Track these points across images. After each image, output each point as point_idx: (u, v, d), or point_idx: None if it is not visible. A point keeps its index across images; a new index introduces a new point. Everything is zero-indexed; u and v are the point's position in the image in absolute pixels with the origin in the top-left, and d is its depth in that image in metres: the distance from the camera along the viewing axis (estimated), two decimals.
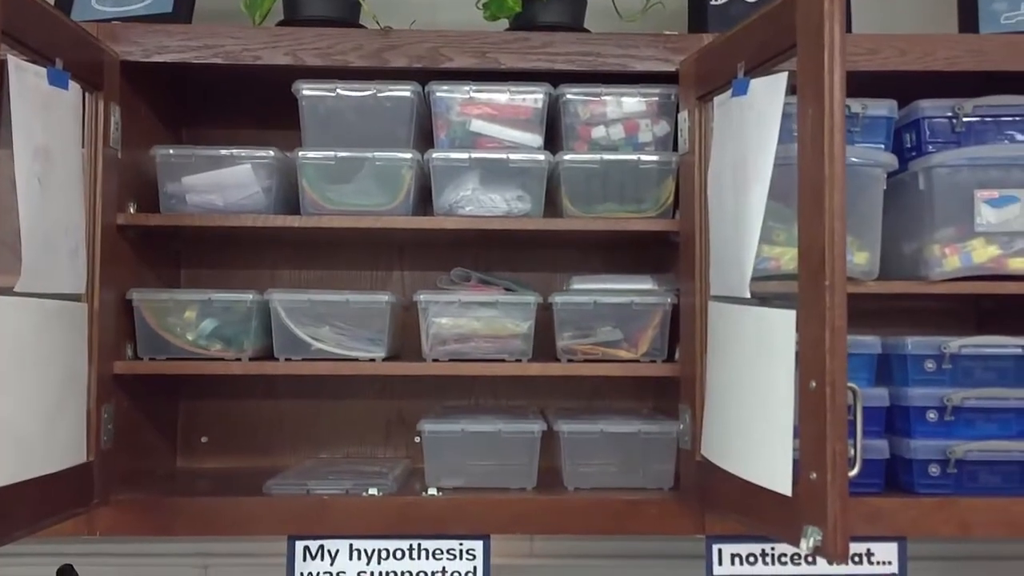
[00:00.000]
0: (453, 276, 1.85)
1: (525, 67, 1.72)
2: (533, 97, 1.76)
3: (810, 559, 1.68)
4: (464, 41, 1.71)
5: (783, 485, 1.29)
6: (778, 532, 1.32)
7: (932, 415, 1.66)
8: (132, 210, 1.71)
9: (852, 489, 1.22)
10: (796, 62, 1.29)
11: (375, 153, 1.72)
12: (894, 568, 1.67)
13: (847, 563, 1.63)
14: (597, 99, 1.77)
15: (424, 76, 1.74)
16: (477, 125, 1.76)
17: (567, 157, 1.73)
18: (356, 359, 1.73)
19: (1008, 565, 2.11)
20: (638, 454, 1.73)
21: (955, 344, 1.65)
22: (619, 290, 1.76)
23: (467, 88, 1.75)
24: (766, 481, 1.32)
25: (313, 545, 1.66)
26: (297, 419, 2.06)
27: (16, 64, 1.33)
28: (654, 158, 1.74)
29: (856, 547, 1.67)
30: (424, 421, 1.73)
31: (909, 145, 1.74)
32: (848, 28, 1.71)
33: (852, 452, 1.28)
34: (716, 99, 1.54)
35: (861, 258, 1.64)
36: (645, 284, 1.78)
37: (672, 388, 1.82)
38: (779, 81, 1.34)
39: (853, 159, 1.60)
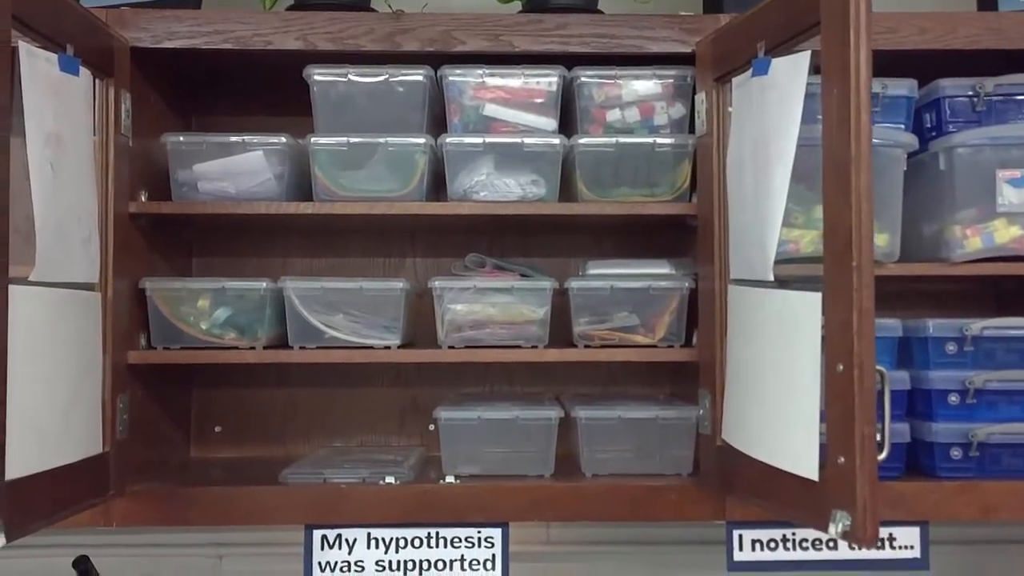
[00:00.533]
0: (468, 262, 1.83)
1: (539, 50, 1.69)
2: (547, 80, 1.74)
3: (831, 544, 1.67)
4: (477, 24, 1.69)
5: (809, 469, 1.27)
6: (804, 517, 1.31)
7: (954, 398, 1.64)
8: (143, 198, 1.70)
9: None
10: (820, 40, 1.26)
11: (388, 138, 1.70)
12: (916, 552, 1.66)
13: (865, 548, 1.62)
14: (612, 82, 1.74)
15: (437, 60, 1.72)
16: (491, 109, 1.74)
17: (582, 141, 1.71)
18: (371, 347, 1.72)
19: None
20: (656, 440, 1.72)
21: (977, 326, 1.64)
22: (636, 275, 1.74)
23: (480, 72, 1.73)
24: (791, 466, 1.31)
25: (331, 534, 1.65)
26: (310, 408, 2.05)
27: (27, 50, 1.31)
28: (670, 141, 1.72)
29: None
30: (440, 409, 1.72)
31: (929, 125, 1.72)
32: None
33: (880, 435, 1.26)
34: (735, 80, 1.51)
35: (881, 240, 1.62)
36: (662, 268, 1.76)
37: (689, 374, 1.81)
38: (802, 60, 1.32)
39: (873, 140, 1.57)
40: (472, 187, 1.72)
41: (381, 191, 1.72)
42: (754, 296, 1.42)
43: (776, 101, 1.36)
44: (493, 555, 1.66)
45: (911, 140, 1.63)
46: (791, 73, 1.34)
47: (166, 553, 2.03)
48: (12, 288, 1.22)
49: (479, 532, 1.66)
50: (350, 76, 1.72)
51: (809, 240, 1.61)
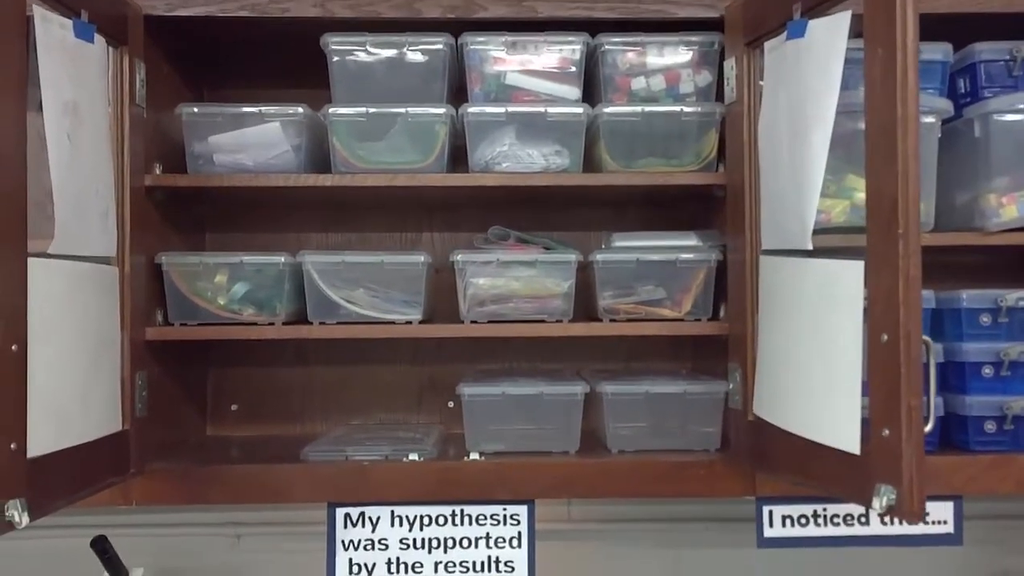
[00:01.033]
0: (491, 235, 1.79)
1: (562, 16, 1.65)
2: (571, 48, 1.69)
3: (863, 519, 1.64)
4: None
5: (850, 443, 1.24)
6: (845, 492, 1.27)
7: (988, 370, 1.61)
8: (158, 171, 1.66)
9: None
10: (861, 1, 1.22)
11: (408, 108, 1.66)
12: (949, 528, 1.63)
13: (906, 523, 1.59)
14: (637, 48, 1.70)
15: (457, 27, 1.67)
16: (513, 78, 1.70)
17: (607, 110, 1.67)
18: (392, 322, 1.68)
19: None
20: (683, 415, 1.69)
21: (1012, 297, 1.60)
22: (663, 247, 1.71)
23: (502, 39, 1.69)
24: (831, 439, 1.27)
25: (354, 512, 1.62)
26: (327, 385, 2.02)
27: (42, 15, 1.27)
28: (697, 109, 1.68)
29: None
30: (463, 385, 1.68)
31: (964, 91, 1.68)
32: None
33: (925, 407, 1.23)
34: (767, 44, 1.47)
35: None
36: (689, 240, 1.72)
37: (711, 348, 1.78)
38: (842, 20, 1.28)
39: None
40: (494, 158, 1.68)
41: (401, 163, 1.68)
42: (790, 266, 1.38)
43: (814, 64, 1.32)
44: (519, 533, 1.63)
45: (946, 106, 1.59)
46: (830, 34, 1.29)
47: (183, 532, 2.00)
48: (31, 261, 1.19)
49: (505, 509, 1.63)
50: (368, 45, 1.68)
51: (841, 210, 1.57)
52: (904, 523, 1.21)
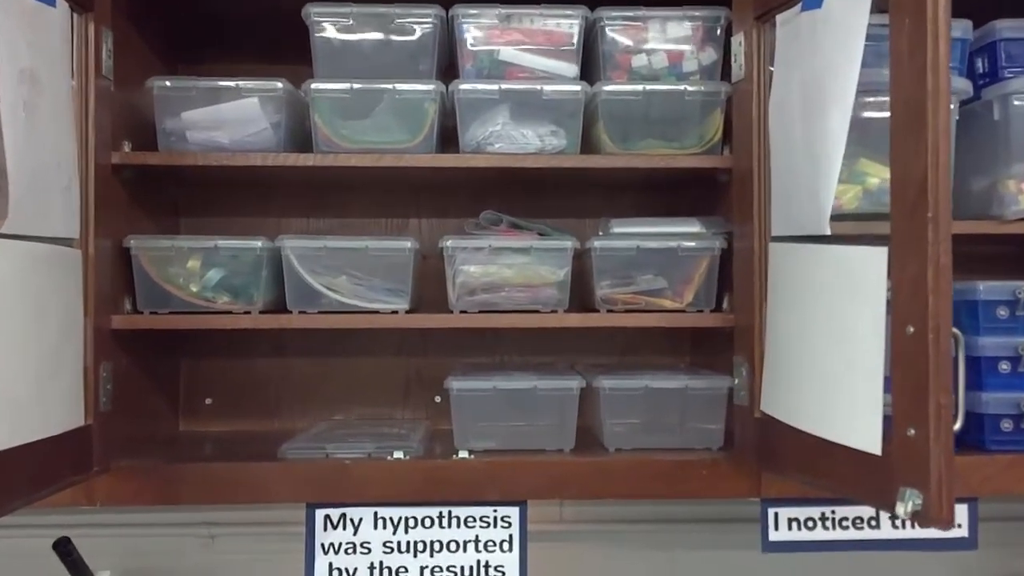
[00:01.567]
0: (482, 219, 1.69)
1: None
2: (568, 22, 1.60)
3: (872, 523, 1.56)
4: None
5: (870, 443, 1.15)
6: (863, 495, 1.19)
7: (1005, 366, 1.52)
8: (127, 149, 1.55)
9: None
10: None
11: (395, 85, 1.57)
12: (964, 531, 1.55)
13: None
14: (638, 24, 1.61)
15: None
16: (507, 54, 1.60)
17: (607, 88, 1.58)
18: (376, 311, 1.58)
19: None
20: (684, 412, 1.60)
21: None
22: (664, 234, 1.61)
23: (496, 12, 1.59)
24: (849, 438, 1.19)
25: (334, 513, 1.52)
26: (307, 378, 1.92)
27: None
28: (701, 88, 1.59)
29: None
30: (452, 379, 1.59)
31: (983, 71, 1.59)
32: None
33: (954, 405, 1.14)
34: (779, 17, 1.38)
35: None
36: (692, 227, 1.63)
37: (712, 341, 1.70)
38: None
39: None
40: (486, 138, 1.59)
41: (387, 143, 1.58)
42: (804, 253, 1.29)
43: (831, 36, 1.23)
44: (510, 536, 1.54)
45: (965, 86, 1.50)
46: (850, 3, 1.20)
47: (154, 533, 1.89)
48: None
49: (495, 511, 1.54)
50: (353, 17, 1.58)
51: (853, 195, 1.49)
52: (927, 528, 1.12)
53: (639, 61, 1.62)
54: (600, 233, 1.66)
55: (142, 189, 1.65)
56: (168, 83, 1.58)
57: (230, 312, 1.57)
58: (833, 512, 1.55)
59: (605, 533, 1.94)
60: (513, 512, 1.54)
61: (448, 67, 1.69)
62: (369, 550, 1.53)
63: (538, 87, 1.57)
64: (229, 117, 1.57)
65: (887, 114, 1.14)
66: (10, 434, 1.17)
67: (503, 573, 1.53)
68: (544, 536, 1.85)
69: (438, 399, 1.90)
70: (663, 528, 1.93)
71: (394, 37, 1.59)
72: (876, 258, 1.15)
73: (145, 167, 1.56)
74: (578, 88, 1.57)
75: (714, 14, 1.59)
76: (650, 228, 1.63)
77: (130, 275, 1.57)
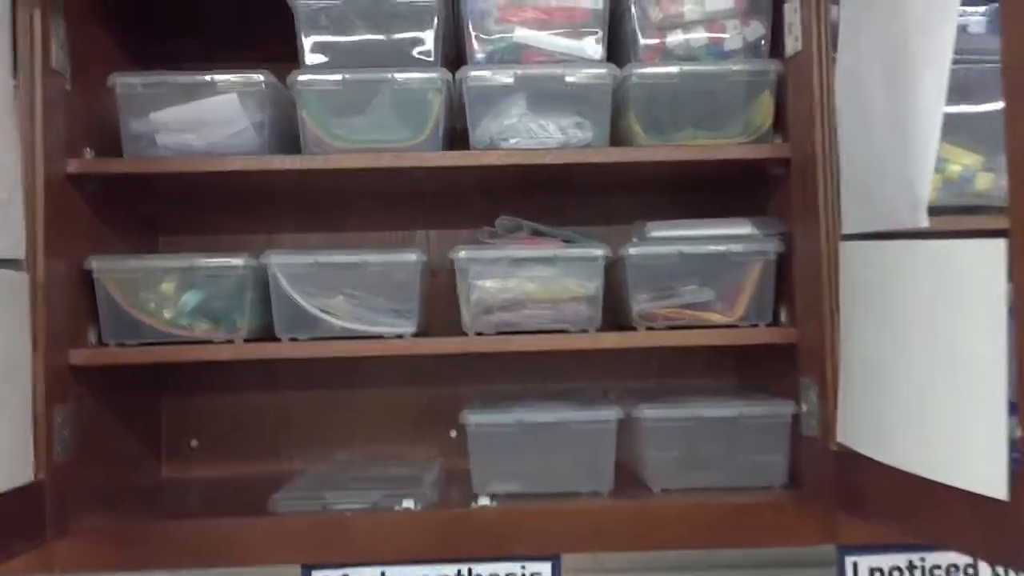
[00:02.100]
0: (499, 227, 1.47)
1: None
2: None
3: (970, 570, 1.32)
4: None
5: (992, 485, 0.92)
6: (983, 550, 0.96)
7: None
8: (89, 156, 1.34)
9: None
10: None
11: (394, 74, 1.35)
12: None
13: None
14: None
15: None
16: (522, 34, 1.39)
17: (637, 71, 1.36)
18: (380, 336, 1.36)
19: None
20: (739, 444, 1.37)
21: None
22: (710, 237, 1.39)
23: None
24: (962, 479, 0.95)
25: None
26: (305, 414, 1.70)
27: None
28: (748, 67, 1.37)
29: None
30: (469, 412, 1.37)
31: None
32: None
33: None
34: None
35: None
36: (742, 228, 1.40)
37: (762, 360, 1.48)
38: None
39: None
40: (501, 133, 1.37)
41: (386, 141, 1.37)
42: (890, 253, 1.07)
43: None
44: None
45: None
46: None
47: None
48: None
49: (523, 568, 1.31)
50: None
51: (931, 187, 1.26)
52: None
53: (674, 39, 1.40)
54: (634, 239, 1.44)
55: (111, 204, 1.44)
56: (134, 79, 1.37)
57: (210, 342, 1.36)
58: (923, 560, 1.31)
59: None
60: (544, 568, 1.31)
61: (455, 56, 1.48)
62: None
63: (559, 72, 1.36)
64: (205, 117, 1.36)
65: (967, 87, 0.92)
66: None
67: None
68: None
69: (453, 433, 1.68)
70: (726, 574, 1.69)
71: (392, 17, 1.38)
72: (991, 254, 0.92)
73: (110, 177, 1.36)
74: (605, 72, 1.36)
75: None
76: (694, 231, 1.40)
77: (94, 302, 1.35)
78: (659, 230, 1.41)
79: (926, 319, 1.00)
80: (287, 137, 1.41)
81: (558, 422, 1.35)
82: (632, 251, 1.38)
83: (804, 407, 1.28)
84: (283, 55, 1.40)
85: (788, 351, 1.35)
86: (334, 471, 1.54)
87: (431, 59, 1.39)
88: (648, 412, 1.36)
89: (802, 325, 1.29)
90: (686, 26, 1.40)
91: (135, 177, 1.37)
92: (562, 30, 1.39)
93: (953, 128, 1.22)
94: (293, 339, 1.36)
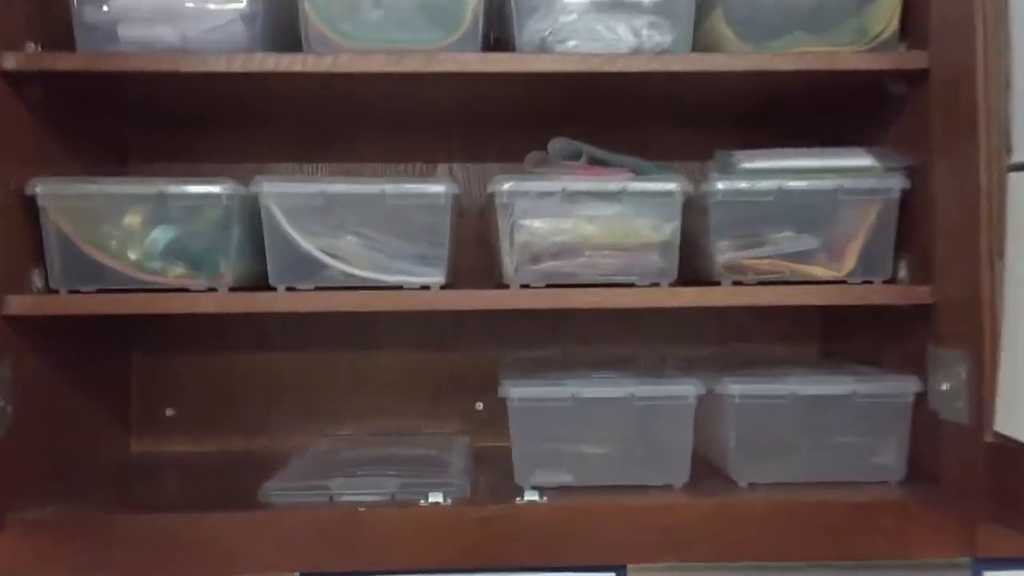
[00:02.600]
0: (552, 151, 1.17)
1: None
2: None
3: None
4: None
5: None
6: None
7: None
8: (33, 50, 1.05)
9: None
10: None
11: None
12: None
13: None
14: None
15: None
16: None
17: None
18: (399, 287, 1.08)
19: None
20: (849, 429, 1.10)
21: None
22: (821, 169, 1.11)
23: None
24: None
25: None
26: (303, 380, 1.42)
27: None
28: None
29: None
30: (510, 383, 1.09)
31: None
32: None
33: None
34: None
35: None
36: (859, 159, 1.12)
37: (852, 326, 1.22)
38: None
39: None
40: (556, 33, 1.08)
41: (410, 42, 1.08)
42: None
43: None
44: None
45: None
46: None
47: None
48: None
49: None
50: None
51: None
52: None
53: None
54: (717, 173, 1.15)
55: (63, 116, 1.15)
56: None
57: (187, 290, 1.07)
58: None
59: None
60: None
61: None
62: None
63: None
64: (181, 4, 1.06)
65: None
66: None
67: None
68: None
69: (479, 406, 1.41)
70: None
71: None
72: None
73: (59, 77, 1.06)
74: None
75: None
76: (796, 162, 1.12)
77: (39, 237, 1.07)
78: (752, 160, 1.12)
79: None
80: (285, 33, 1.12)
81: (623, 397, 1.08)
82: (720, 186, 1.09)
83: (945, 386, 1.01)
84: None
85: (899, 313, 1.08)
86: (338, 451, 1.27)
87: None
88: (735, 387, 1.08)
89: (942, 281, 1.02)
90: None
91: (91, 79, 1.07)
92: None
93: None
94: (290, 288, 1.08)
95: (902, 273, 1.12)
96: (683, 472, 1.09)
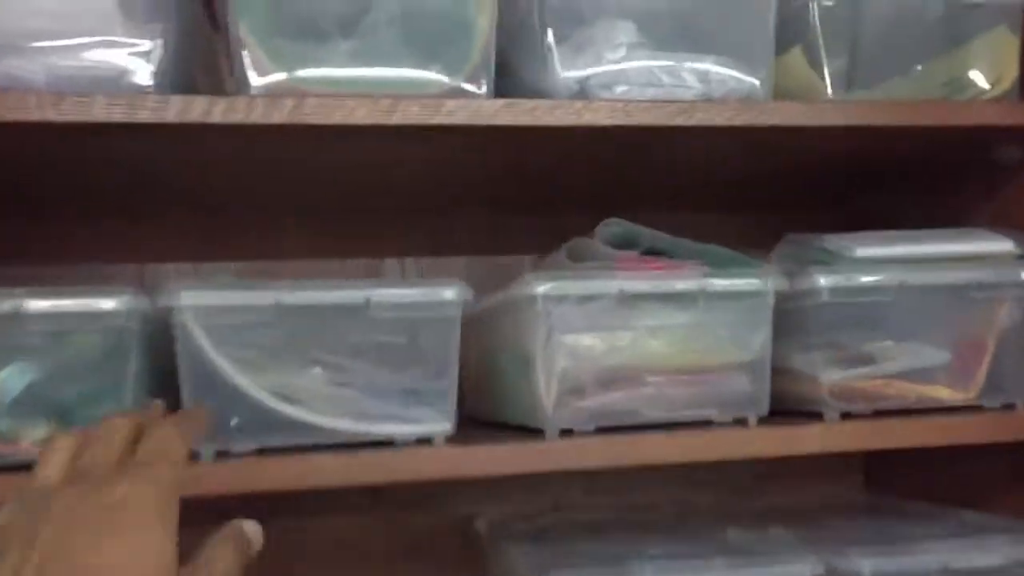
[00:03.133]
0: (600, 240, 0.83)
1: None
2: None
3: None
4: None
5: None
6: None
7: None
8: None
9: None
10: None
11: None
12: None
13: None
14: None
15: None
16: None
17: None
18: (389, 442, 0.72)
19: None
20: None
21: None
22: (954, 256, 0.83)
23: None
24: None
25: None
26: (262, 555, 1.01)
27: None
28: None
29: None
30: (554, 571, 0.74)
31: None
32: None
33: None
34: None
35: None
36: (997, 243, 0.85)
37: (893, 460, 0.95)
38: None
39: None
40: (597, 75, 0.77)
41: (392, 85, 0.74)
42: None
43: None
44: None
45: None
46: None
47: None
48: None
49: None
50: None
51: None
52: None
53: None
54: (814, 265, 0.84)
55: None
56: None
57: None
58: None
59: None
60: None
61: None
62: None
63: None
64: (44, 16, 0.69)
65: None
66: None
67: None
68: None
69: None
70: None
71: None
72: None
73: None
74: None
75: None
76: (918, 247, 0.84)
77: None
78: (865, 245, 0.83)
79: None
80: (195, 67, 0.76)
81: None
82: (823, 281, 0.80)
83: None
84: None
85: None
86: None
87: None
88: (865, 565, 0.77)
89: None
90: None
91: None
92: None
93: None
94: (221, 454, 0.70)
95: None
96: None
